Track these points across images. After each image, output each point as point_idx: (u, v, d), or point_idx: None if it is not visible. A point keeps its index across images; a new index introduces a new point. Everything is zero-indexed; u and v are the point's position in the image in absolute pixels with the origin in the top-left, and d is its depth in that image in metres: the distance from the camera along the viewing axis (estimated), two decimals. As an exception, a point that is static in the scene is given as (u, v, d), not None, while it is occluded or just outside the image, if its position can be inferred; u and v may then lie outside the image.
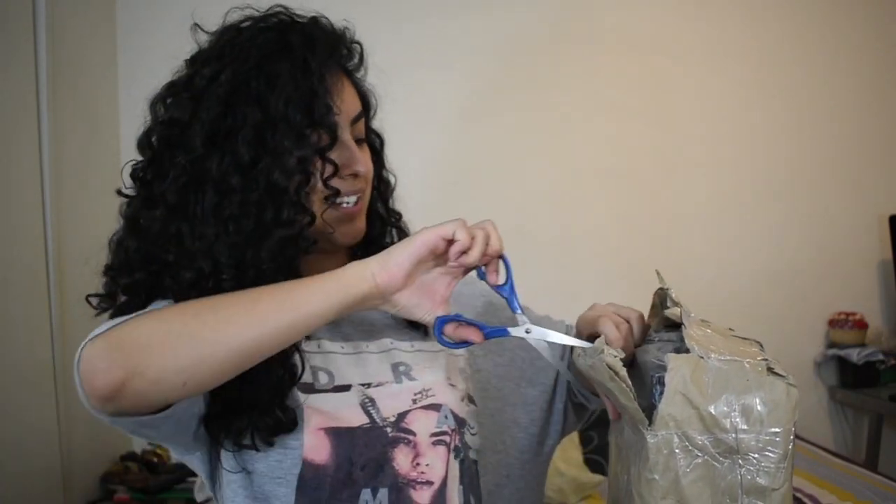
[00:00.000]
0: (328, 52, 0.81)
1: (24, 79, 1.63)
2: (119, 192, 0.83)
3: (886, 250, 2.39)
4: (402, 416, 0.82)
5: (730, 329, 0.76)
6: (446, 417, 0.85)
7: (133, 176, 0.82)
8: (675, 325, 0.77)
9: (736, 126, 2.39)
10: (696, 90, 2.37)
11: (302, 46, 0.78)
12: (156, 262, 0.78)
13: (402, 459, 0.80)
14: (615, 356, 0.68)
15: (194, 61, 0.81)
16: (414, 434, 0.82)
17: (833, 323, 2.38)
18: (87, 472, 1.79)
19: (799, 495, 1.51)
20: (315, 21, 0.83)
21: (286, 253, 0.76)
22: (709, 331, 0.73)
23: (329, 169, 0.78)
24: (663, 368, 0.68)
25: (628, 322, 0.82)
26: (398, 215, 0.94)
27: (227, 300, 0.71)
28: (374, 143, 0.92)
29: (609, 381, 0.68)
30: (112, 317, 0.80)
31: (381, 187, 0.92)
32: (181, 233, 0.76)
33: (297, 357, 0.78)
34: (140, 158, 0.82)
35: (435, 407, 0.85)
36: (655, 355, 0.73)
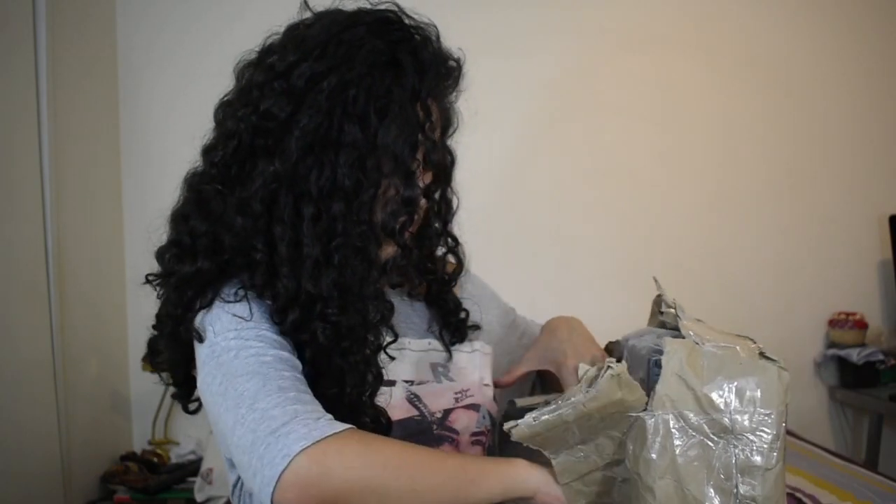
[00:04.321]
0: (437, 81, 0.80)
1: (24, 79, 1.63)
2: (195, 173, 0.80)
3: (886, 250, 2.39)
4: (447, 413, 0.84)
5: (723, 329, 0.78)
6: (484, 418, 0.87)
7: (210, 156, 0.79)
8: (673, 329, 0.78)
9: (736, 126, 2.39)
10: (696, 90, 2.37)
11: (412, 70, 0.77)
12: (226, 253, 0.76)
13: None
14: (620, 365, 0.67)
15: (295, 43, 0.77)
16: (457, 433, 0.84)
17: (833, 323, 2.38)
18: (87, 472, 1.79)
19: (799, 495, 1.51)
20: (426, 37, 0.81)
21: (381, 291, 0.78)
22: (703, 326, 0.75)
23: (426, 204, 0.80)
24: (660, 353, 0.70)
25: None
26: (455, 240, 0.93)
27: (422, 469, 0.69)
28: (444, 161, 0.88)
29: (618, 393, 0.67)
30: (163, 301, 0.79)
31: (442, 207, 0.89)
32: (273, 235, 0.74)
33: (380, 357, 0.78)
34: (215, 128, 0.80)
35: (475, 407, 0.87)
36: (654, 342, 0.75)
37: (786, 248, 2.41)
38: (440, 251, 0.93)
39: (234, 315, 0.74)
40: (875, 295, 2.46)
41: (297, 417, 0.66)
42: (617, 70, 2.32)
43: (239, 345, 0.72)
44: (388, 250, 0.80)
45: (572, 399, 0.67)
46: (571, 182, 2.30)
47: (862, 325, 2.34)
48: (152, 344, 0.84)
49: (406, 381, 0.84)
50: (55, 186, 1.68)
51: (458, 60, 0.84)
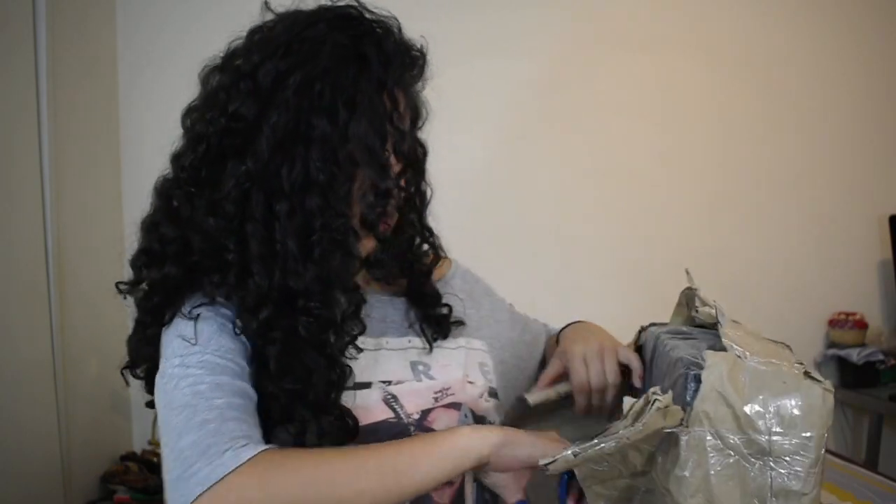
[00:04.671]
0: (402, 70, 0.80)
1: (24, 79, 1.63)
2: (166, 179, 0.80)
3: (886, 250, 2.39)
4: (425, 413, 0.83)
5: (760, 333, 0.76)
6: (466, 416, 0.86)
7: (180, 161, 0.79)
8: (702, 325, 0.76)
9: (736, 126, 2.39)
10: (696, 90, 2.37)
11: (377, 61, 0.77)
12: (196, 256, 0.76)
13: None
14: (665, 395, 0.65)
15: (259, 45, 0.78)
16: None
17: (833, 323, 2.38)
18: (87, 472, 1.79)
19: (799, 495, 1.51)
20: (388, 28, 0.81)
21: (355, 283, 0.78)
22: (741, 332, 0.73)
23: (402, 196, 0.80)
24: (698, 366, 0.67)
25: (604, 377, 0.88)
26: (431, 232, 0.93)
27: (344, 477, 0.67)
28: (416, 153, 0.89)
29: (662, 422, 0.65)
30: (138, 305, 0.79)
31: (417, 199, 0.90)
32: (245, 233, 0.74)
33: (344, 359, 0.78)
34: (182, 135, 0.80)
35: (455, 406, 0.86)
36: (689, 352, 0.71)
37: (786, 248, 2.41)
38: (417, 243, 0.93)
39: (182, 337, 0.74)
40: (875, 295, 2.46)
41: (205, 454, 0.64)
42: (618, 70, 2.32)
43: (180, 373, 0.72)
44: (368, 244, 0.81)
45: (617, 433, 0.64)
46: (572, 182, 2.30)
47: (862, 325, 2.34)
48: (132, 353, 0.84)
49: (383, 382, 0.83)
50: (55, 186, 1.67)
51: (420, 49, 0.84)
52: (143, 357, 0.81)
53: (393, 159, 0.78)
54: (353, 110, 0.75)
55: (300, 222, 0.74)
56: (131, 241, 0.81)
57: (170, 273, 0.76)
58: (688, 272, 0.82)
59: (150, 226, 0.80)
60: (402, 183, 0.79)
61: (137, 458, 1.91)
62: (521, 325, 1.05)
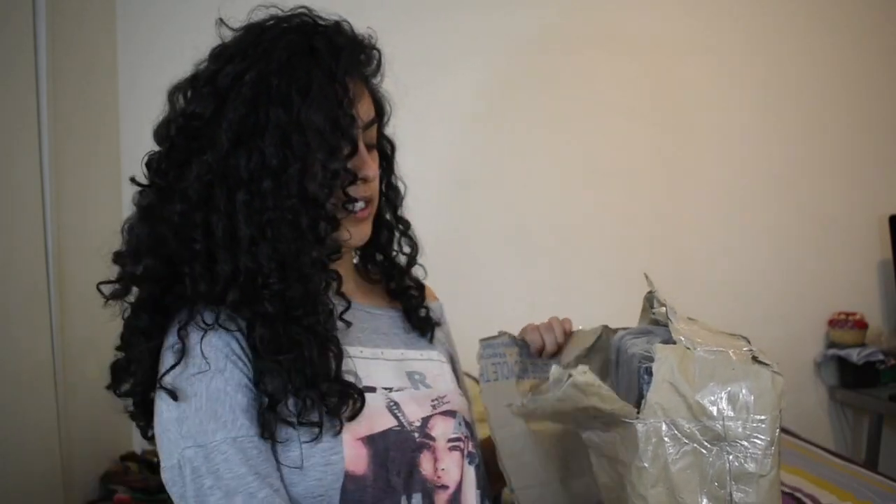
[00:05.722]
0: (352, 60, 0.83)
1: (24, 79, 1.63)
2: (132, 180, 0.84)
3: (886, 250, 2.39)
4: (425, 420, 0.85)
5: (716, 328, 0.78)
6: (460, 424, 0.88)
7: (149, 165, 0.83)
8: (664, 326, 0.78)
9: (735, 126, 2.39)
10: (695, 90, 2.37)
11: (327, 53, 0.80)
12: (168, 248, 0.79)
13: (426, 464, 0.82)
14: (584, 373, 0.68)
15: (218, 57, 0.83)
16: (434, 439, 0.84)
17: (833, 323, 2.38)
18: (87, 472, 1.79)
19: (799, 495, 1.51)
20: (338, 26, 0.84)
21: (323, 261, 0.80)
22: (695, 327, 0.75)
23: (348, 178, 0.81)
24: (651, 359, 0.69)
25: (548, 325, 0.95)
26: (406, 224, 0.97)
27: None
28: (384, 149, 0.93)
29: (586, 400, 0.68)
30: (128, 317, 0.84)
31: (391, 194, 0.94)
32: (210, 223, 0.78)
33: (335, 340, 0.81)
34: (156, 148, 0.84)
35: (451, 413, 0.88)
36: (644, 348, 0.74)
37: (786, 248, 2.42)
38: (395, 237, 0.97)
39: (195, 410, 0.76)
40: (875, 295, 2.46)
41: None
42: (618, 70, 2.32)
43: (204, 469, 0.75)
44: (338, 234, 0.83)
45: (544, 395, 0.69)
46: (572, 182, 2.30)
47: (862, 325, 2.34)
48: (116, 369, 0.87)
49: (385, 388, 0.85)
50: (55, 186, 1.67)
51: (370, 40, 0.88)
52: (137, 368, 0.85)
53: (343, 142, 0.80)
54: (306, 97, 0.78)
55: (256, 207, 0.77)
56: (101, 249, 0.87)
57: (148, 264, 0.80)
58: (647, 276, 0.84)
59: (126, 230, 0.84)
60: (350, 166, 0.82)
61: (137, 458, 1.91)
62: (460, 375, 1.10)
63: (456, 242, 2.11)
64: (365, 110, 0.84)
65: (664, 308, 0.77)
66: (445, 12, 2.17)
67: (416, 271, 1.01)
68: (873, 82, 2.47)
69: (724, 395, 0.67)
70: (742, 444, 0.66)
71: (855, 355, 2.29)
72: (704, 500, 0.66)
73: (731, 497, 0.66)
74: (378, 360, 0.88)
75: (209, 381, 0.77)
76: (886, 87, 2.48)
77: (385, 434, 0.81)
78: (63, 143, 1.72)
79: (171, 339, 0.80)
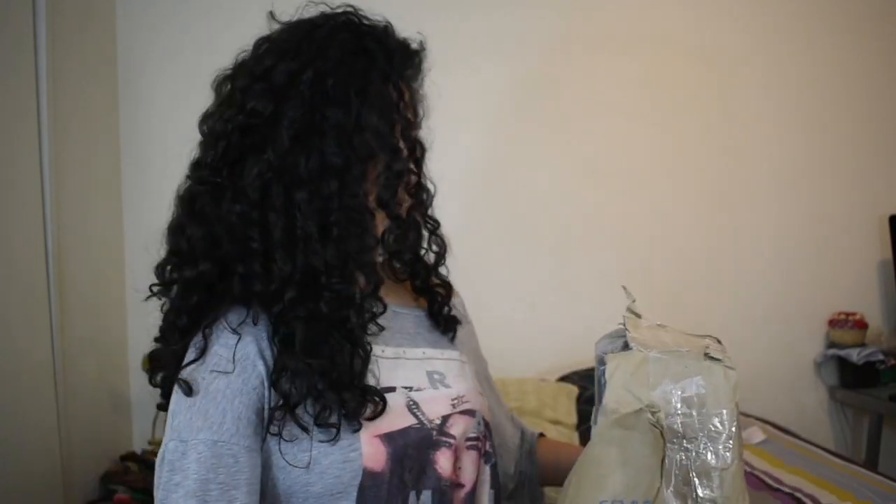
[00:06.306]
0: (403, 63, 0.86)
1: (24, 79, 1.63)
2: (188, 178, 0.83)
3: (886, 250, 2.39)
4: (445, 419, 0.85)
5: (684, 332, 0.79)
6: (479, 424, 0.88)
7: (200, 164, 0.83)
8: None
9: (735, 126, 2.39)
10: (696, 90, 2.37)
11: (381, 55, 0.82)
12: (223, 249, 0.79)
13: (444, 462, 0.82)
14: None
15: (268, 51, 0.83)
16: (454, 438, 0.84)
17: (833, 323, 2.38)
18: (87, 472, 1.79)
19: (799, 495, 1.51)
20: (386, 30, 0.87)
21: (375, 262, 0.83)
22: (658, 332, 0.76)
23: (413, 180, 0.84)
24: (602, 368, 0.71)
25: None
26: (436, 223, 0.97)
27: None
28: (415, 152, 0.93)
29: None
30: (168, 312, 0.83)
31: (421, 195, 0.94)
32: (267, 223, 0.78)
33: (364, 342, 0.81)
34: (202, 141, 0.83)
35: (470, 413, 0.88)
36: (601, 351, 0.75)
37: (786, 248, 2.42)
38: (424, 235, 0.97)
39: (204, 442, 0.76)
40: (875, 295, 2.46)
41: None
42: (618, 70, 2.32)
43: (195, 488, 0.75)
44: (381, 226, 0.85)
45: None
46: (572, 183, 2.30)
47: (862, 325, 2.34)
48: (153, 359, 0.86)
49: (405, 388, 0.85)
50: (55, 186, 1.67)
51: (420, 44, 0.90)
52: (171, 361, 0.83)
53: (402, 144, 0.83)
54: (364, 100, 0.79)
55: (319, 206, 0.78)
56: (152, 244, 0.84)
57: (204, 270, 0.80)
58: (625, 288, 0.85)
59: (176, 228, 0.82)
60: (411, 166, 0.84)
61: (137, 458, 1.91)
62: (491, 382, 1.10)
63: (455, 242, 2.10)
64: (414, 113, 0.87)
65: (635, 315, 0.78)
66: (445, 12, 2.17)
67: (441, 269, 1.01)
68: (873, 82, 2.47)
69: (678, 393, 0.68)
70: (701, 440, 0.67)
71: (855, 355, 2.29)
72: (670, 498, 0.67)
73: (696, 492, 0.67)
74: (400, 359, 0.88)
75: (214, 380, 0.77)
76: (886, 87, 2.48)
77: (405, 432, 0.81)
78: (63, 143, 1.72)
79: (197, 337, 0.80)
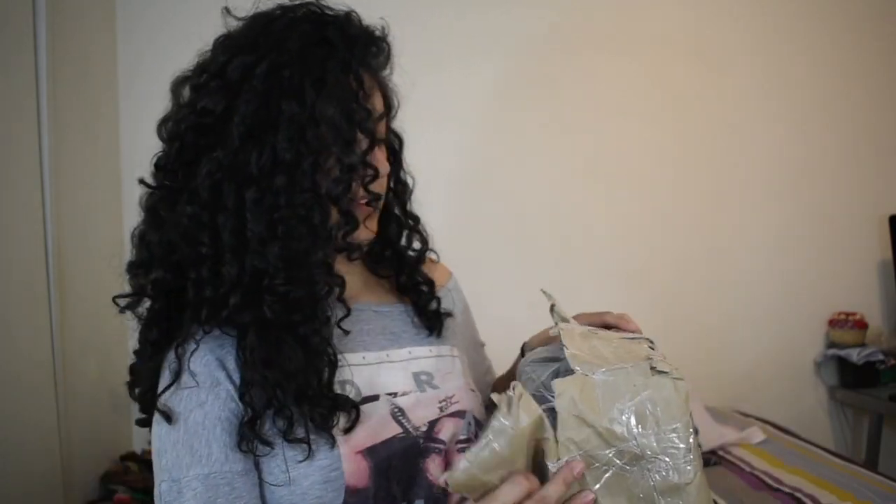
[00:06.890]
0: (366, 51, 0.81)
1: (24, 79, 1.62)
2: (141, 182, 0.81)
3: (886, 250, 2.39)
4: (432, 424, 0.83)
5: (617, 334, 0.77)
6: (470, 424, 0.85)
7: (158, 166, 0.80)
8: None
9: (736, 126, 2.39)
10: (696, 91, 2.37)
11: (342, 44, 0.77)
12: (178, 254, 0.76)
13: (434, 469, 0.80)
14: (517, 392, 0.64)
15: (225, 47, 0.79)
16: (444, 443, 0.82)
17: (833, 323, 2.38)
18: (87, 472, 1.79)
19: (799, 495, 1.51)
20: (349, 17, 0.82)
21: (329, 263, 0.78)
22: (594, 342, 0.73)
23: (368, 173, 0.79)
24: (544, 399, 0.67)
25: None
26: (416, 219, 0.94)
27: None
28: (392, 144, 0.91)
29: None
30: (141, 326, 0.81)
31: (399, 189, 0.92)
32: (217, 225, 0.75)
33: (329, 351, 0.78)
34: (160, 146, 0.81)
35: (460, 414, 0.86)
36: (543, 384, 0.71)
37: (786, 248, 2.42)
38: (404, 232, 0.95)
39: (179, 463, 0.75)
40: (875, 295, 2.46)
41: None
42: (618, 70, 2.32)
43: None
44: (350, 229, 0.80)
45: (499, 425, 0.62)
46: (572, 182, 2.30)
47: (862, 325, 2.34)
48: (132, 373, 0.84)
49: (389, 394, 0.83)
50: (55, 186, 1.67)
51: (382, 31, 0.84)
52: (147, 376, 0.82)
53: (360, 136, 0.77)
54: (321, 91, 0.75)
55: (268, 204, 0.74)
56: (129, 247, 0.82)
57: (158, 277, 0.77)
58: (544, 291, 0.83)
59: (138, 237, 0.81)
60: (369, 160, 0.79)
61: (137, 458, 1.91)
62: (487, 365, 1.09)
63: (455, 241, 2.10)
64: (376, 104, 0.82)
65: (565, 322, 0.76)
66: (441, 10, 2.17)
67: (428, 255, 0.98)
68: (873, 82, 2.47)
69: (630, 415, 0.66)
70: (661, 459, 0.66)
71: (855, 355, 2.29)
72: None
73: None
74: (383, 363, 0.85)
75: (191, 413, 0.75)
76: (886, 87, 2.48)
77: (388, 443, 0.79)
78: (63, 143, 1.72)
79: (171, 356, 0.77)
